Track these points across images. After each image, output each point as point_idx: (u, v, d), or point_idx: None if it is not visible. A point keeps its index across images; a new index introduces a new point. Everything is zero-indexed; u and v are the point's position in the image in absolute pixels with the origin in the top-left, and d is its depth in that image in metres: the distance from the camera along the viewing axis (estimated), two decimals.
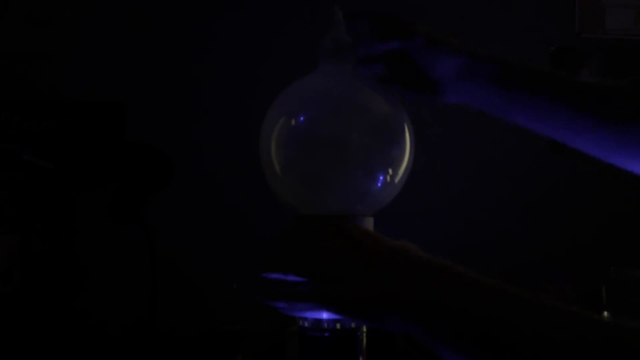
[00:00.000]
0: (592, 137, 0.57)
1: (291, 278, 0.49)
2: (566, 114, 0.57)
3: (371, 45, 0.63)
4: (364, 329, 0.58)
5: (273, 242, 0.52)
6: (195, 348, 1.06)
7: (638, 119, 0.55)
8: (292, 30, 1.24)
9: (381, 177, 0.60)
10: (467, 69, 0.60)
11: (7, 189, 0.94)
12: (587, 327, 0.38)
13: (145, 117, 1.21)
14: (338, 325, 0.56)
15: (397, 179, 0.61)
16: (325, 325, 0.56)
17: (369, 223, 0.59)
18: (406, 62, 0.63)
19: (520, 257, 1.22)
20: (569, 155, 1.25)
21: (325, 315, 0.55)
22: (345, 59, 0.63)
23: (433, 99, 0.64)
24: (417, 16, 0.62)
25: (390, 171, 0.60)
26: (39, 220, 1.00)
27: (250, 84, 1.23)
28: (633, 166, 0.57)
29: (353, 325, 0.57)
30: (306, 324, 0.57)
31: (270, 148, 0.60)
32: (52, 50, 1.23)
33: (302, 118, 0.61)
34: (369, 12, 0.64)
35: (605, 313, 1.01)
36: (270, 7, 1.25)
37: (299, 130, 0.60)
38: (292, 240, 0.51)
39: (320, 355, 0.57)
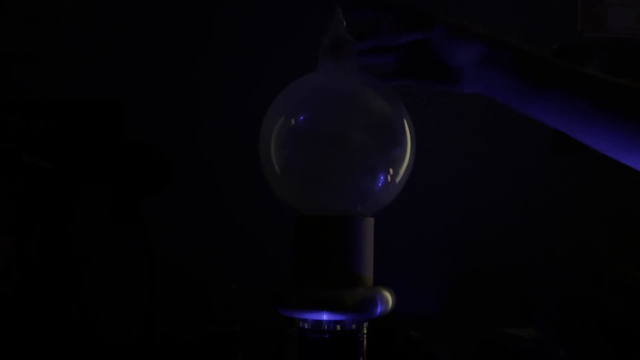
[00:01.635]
0: (607, 135, 0.56)
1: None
2: (584, 109, 0.56)
3: (389, 37, 0.63)
4: (365, 330, 0.58)
5: None
6: (195, 349, 1.06)
7: None
8: (291, 29, 1.24)
9: (382, 177, 0.59)
10: (488, 57, 0.59)
11: (5, 189, 0.94)
12: None
13: (144, 117, 1.20)
14: (338, 327, 0.56)
15: (397, 179, 0.60)
16: (326, 327, 0.56)
17: (370, 223, 0.58)
18: (423, 51, 0.62)
19: (521, 257, 1.21)
20: (572, 155, 1.24)
21: (325, 316, 0.55)
22: (345, 58, 0.63)
23: (448, 88, 0.64)
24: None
25: (390, 171, 0.59)
26: (37, 220, 1.00)
27: (250, 83, 1.23)
28: None
29: (353, 326, 0.56)
30: (306, 325, 0.56)
31: (270, 148, 0.60)
32: (51, 49, 1.22)
33: (302, 117, 0.60)
34: (386, 2, 0.63)
35: None
36: (270, 6, 1.25)
37: (299, 129, 0.60)
38: None
39: (320, 357, 0.56)
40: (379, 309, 0.55)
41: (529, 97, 0.59)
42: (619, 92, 0.56)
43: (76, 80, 1.21)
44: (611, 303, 0.89)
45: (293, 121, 0.60)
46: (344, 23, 0.64)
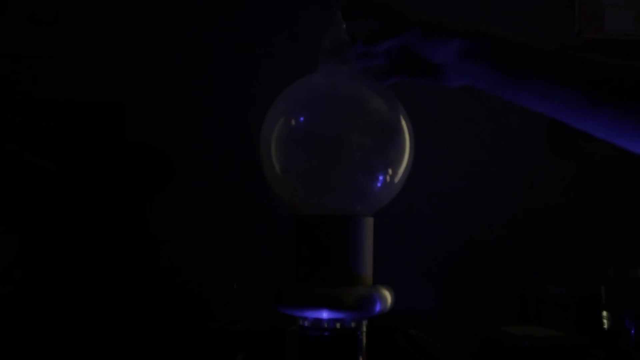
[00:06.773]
0: (593, 117, 0.56)
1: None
2: (567, 94, 0.56)
3: (370, 45, 0.63)
4: (364, 328, 0.58)
5: None
6: (196, 348, 1.06)
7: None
8: (291, 30, 1.24)
9: (381, 177, 0.60)
10: (467, 51, 0.60)
11: (7, 189, 0.94)
12: None
13: (145, 117, 1.21)
14: (338, 325, 0.56)
15: (396, 179, 0.61)
16: (325, 325, 0.56)
17: (369, 223, 0.59)
18: (408, 52, 0.63)
19: (520, 257, 1.22)
20: (569, 154, 1.25)
21: (325, 314, 0.55)
22: (344, 59, 0.63)
23: (438, 84, 0.64)
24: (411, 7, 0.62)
25: (390, 171, 0.60)
26: (39, 220, 1.00)
27: (250, 83, 1.23)
28: (635, 147, 0.56)
29: (353, 324, 0.57)
30: (306, 324, 0.57)
31: (270, 148, 0.60)
32: (53, 50, 1.23)
33: (302, 118, 0.61)
34: (362, 7, 0.64)
35: (605, 313, 1.01)
36: (270, 7, 1.25)
37: (299, 130, 0.60)
38: None
39: (320, 355, 0.57)
40: (378, 307, 0.56)
41: (512, 87, 0.60)
42: (605, 73, 0.56)
43: (77, 80, 1.22)
44: None
45: (293, 122, 0.61)
46: (344, 25, 0.64)
